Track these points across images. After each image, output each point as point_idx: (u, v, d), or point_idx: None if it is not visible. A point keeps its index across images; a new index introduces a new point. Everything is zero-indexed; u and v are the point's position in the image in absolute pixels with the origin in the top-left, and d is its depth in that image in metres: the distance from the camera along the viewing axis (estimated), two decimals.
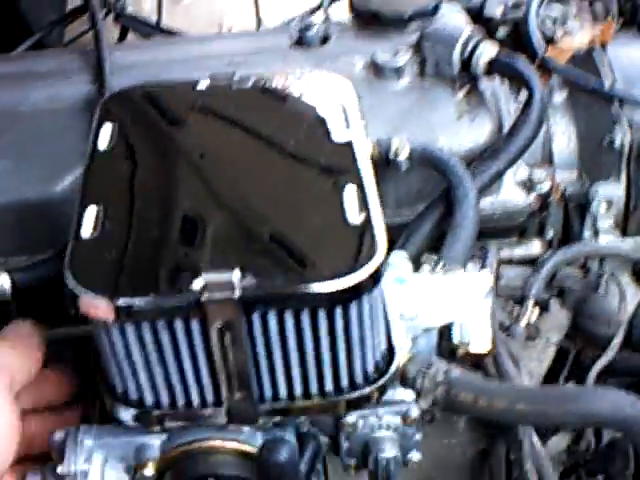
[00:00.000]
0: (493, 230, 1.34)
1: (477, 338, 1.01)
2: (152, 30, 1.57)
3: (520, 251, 1.38)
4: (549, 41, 1.42)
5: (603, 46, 1.41)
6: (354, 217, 0.86)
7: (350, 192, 0.89)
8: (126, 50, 1.41)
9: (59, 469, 0.87)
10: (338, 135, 0.98)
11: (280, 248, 0.83)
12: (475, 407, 0.93)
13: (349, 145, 0.96)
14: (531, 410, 0.92)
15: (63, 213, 1.19)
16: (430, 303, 1.00)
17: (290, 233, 0.85)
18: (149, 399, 0.86)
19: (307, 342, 0.83)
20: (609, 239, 1.35)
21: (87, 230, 0.87)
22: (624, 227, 1.40)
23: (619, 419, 0.92)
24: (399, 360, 0.92)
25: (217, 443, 0.88)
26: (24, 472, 0.90)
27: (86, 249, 0.85)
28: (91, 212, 0.88)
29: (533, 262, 1.34)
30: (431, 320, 0.99)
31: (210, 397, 0.86)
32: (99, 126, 1.00)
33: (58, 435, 0.89)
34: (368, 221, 0.85)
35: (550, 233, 1.40)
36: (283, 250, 0.83)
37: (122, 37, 1.65)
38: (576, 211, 1.42)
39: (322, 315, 0.81)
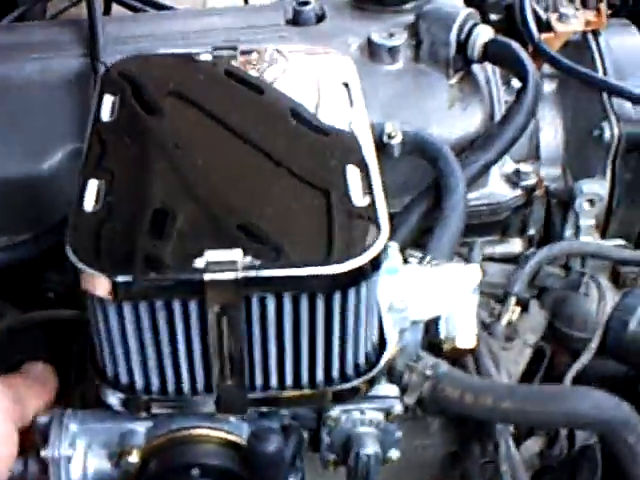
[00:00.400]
0: (477, 225, 1.33)
1: (463, 333, 1.00)
2: (139, 4, 1.54)
3: (501, 248, 1.37)
4: (543, 26, 1.41)
5: (595, 34, 1.41)
6: (358, 200, 0.84)
7: (354, 175, 0.87)
8: (118, 23, 1.37)
9: (42, 453, 0.84)
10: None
11: (281, 230, 0.82)
12: (461, 403, 0.92)
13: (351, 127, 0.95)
14: (516, 409, 0.92)
15: (48, 192, 1.18)
16: (420, 295, 0.99)
17: (292, 216, 0.84)
18: (139, 383, 0.84)
19: (303, 328, 0.81)
20: (589, 239, 1.35)
21: (89, 204, 0.84)
22: (604, 227, 1.40)
23: (603, 421, 0.92)
24: (390, 353, 0.90)
25: (203, 432, 0.86)
26: None
27: (88, 223, 0.83)
28: (93, 185, 0.86)
29: (513, 260, 1.34)
30: (420, 313, 0.98)
31: (201, 384, 0.84)
32: (100, 98, 0.98)
33: (42, 419, 0.87)
34: (372, 205, 0.84)
35: (532, 231, 1.39)
36: (284, 232, 0.81)
37: (106, 11, 1.61)
38: (558, 208, 1.41)
39: (320, 300, 0.80)
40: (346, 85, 1.03)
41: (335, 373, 0.86)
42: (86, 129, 0.96)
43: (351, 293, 0.81)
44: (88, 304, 0.81)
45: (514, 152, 1.37)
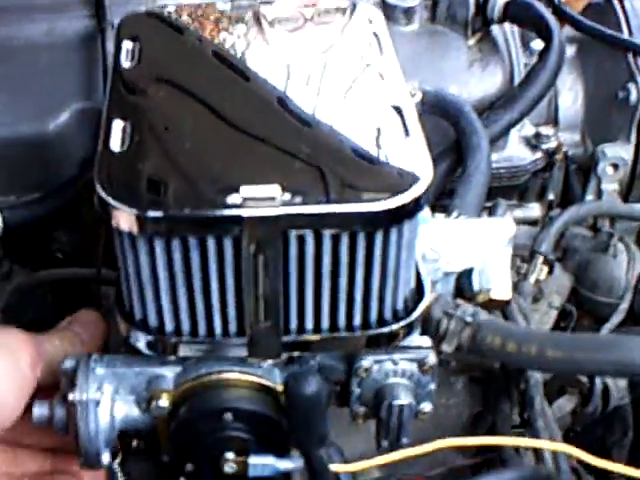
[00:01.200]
0: (496, 189, 1.31)
1: (498, 284, 0.97)
2: None
3: (519, 213, 1.35)
4: None
5: None
6: (400, 140, 0.82)
7: (393, 117, 0.85)
8: None
9: (70, 396, 0.81)
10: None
11: (322, 167, 0.79)
12: (503, 351, 0.89)
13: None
14: (562, 357, 0.88)
15: (55, 152, 1.17)
16: (452, 246, 0.96)
17: (333, 153, 0.81)
18: (169, 325, 0.81)
19: (342, 268, 0.78)
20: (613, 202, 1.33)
21: (116, 143, 0.82)
22: (627, 192, 1.38)
23: None
24: (428, 299, 0.87)
25: (236, 376, 0.83)
26: None
27: (115, 161, 0.80)
28: (118, 125, 0.84)
29: (533, 225, 1.32)
30: (453, 264, 0.95)
31: (233, 326, 0.81)
32: (119, 44, 0.96)
33: (69, 362, 0.84)
34: (414, 145, 0.81)
35: (551, 195, 1.37)
36: (325, 169, 0.78)
37: None
38: (577, 174, 1.39)
39: (361, 239, 0.77)
40: (376, 35, 1.01)
41: (373, 317, 0.83)
42: (94, 87, 0.99)
43: (393, 232, 0.78)
44: (117, 243, 0.78)
45: (532, 116, 1.35)
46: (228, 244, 0.76)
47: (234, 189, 0.75)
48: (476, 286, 0.97)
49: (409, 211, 0.77)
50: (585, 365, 0.89)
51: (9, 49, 1.26)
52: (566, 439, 1.21)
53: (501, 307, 1.02)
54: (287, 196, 0.75)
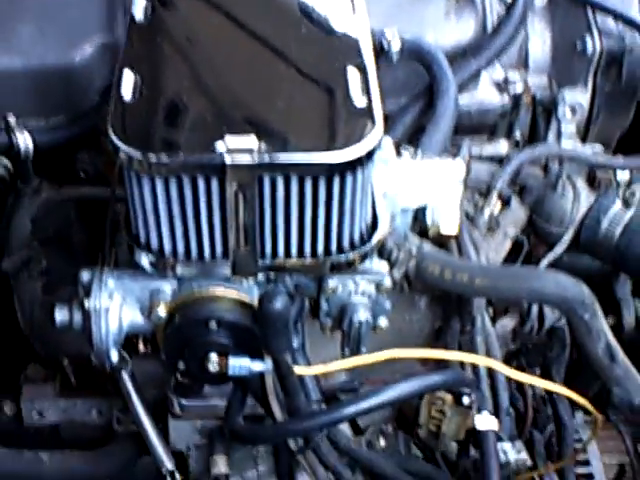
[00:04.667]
0: (467, 127, 1.47)
1: (447, 221, 1.14)
2: None
3: (489, 149, 1.50)
4: None
5: None
6: (358, 100, 0.98)
7: (354, 76, 1.00)
8: None
9: (86, 303, 1.00)
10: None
11: (291, 122, 0.95)
12: (440, 278, 1.06)
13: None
14: (487, 284, 1.06)
15: (79, 81, 1.31)
16: (409, 185, 1.13)
17: (301, 110, 0.97)
18: (168, 247, 0.99)
19: (307, 206, 0.96)
20: (570, 144, 1.48)
21: (127, 93, 0.98)
22: (585, 134, 1.54)
23: (561, 297, 1.06)
24: (381, 233, 1.04)
25: (220, 291, 1.01)
26: None
27: (126, 110, 0.96)
28: (129, 77, 0.99)
29: (500, 161, 1.47)
30: (408, 200, 1.12)
31: (219, 249, 0.99)
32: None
33: (86, 275, 1.02)
34: (369, 104, 0.97)
35: (517, 134, 1.52)
36: (294, 123, 0.95)
37: None
38: (543, 115, 1.54)
39: (322, 182, 0.94)
40: None
41: (333, 246, 1.01)
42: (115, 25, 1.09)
43: (348, 178, 0.95)
44: (126, 179, 0.95)
45: (504, 59, 1.51)
46: (215, 183, 0.94)
47: (221, 137, 0.92)
48: (429, 221, 1.14)
49: (361, 161, 0.94)
50: (505, 292, 1.07)
51: None
52: (517, 357, 1.39)
53: (449, 240, 1.18)
54: (262, 146, 0.92)
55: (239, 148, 0.91)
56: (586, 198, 1.38)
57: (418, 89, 1.39)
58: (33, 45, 1.34)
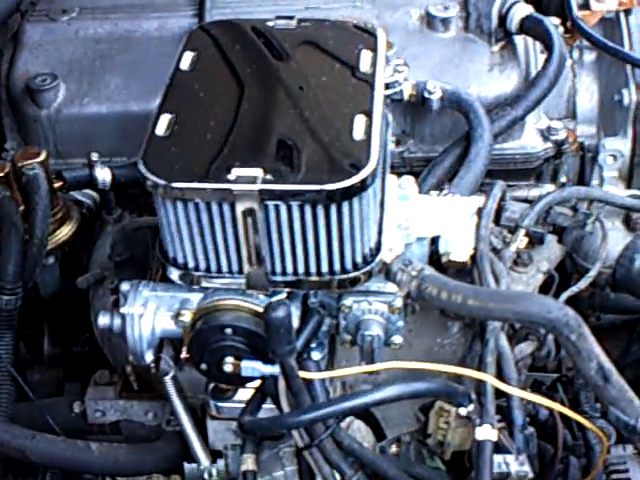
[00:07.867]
0: (513, 171, 1.60)
1: (458, 249, 1.26)
2: None
3: (536, 192, 1.62)
4: (583, 5, 1.67)
5: (627, 12, 1.63)
6: (358, 136, 1.12)
7: (359, 118, 1.15)
8: None
9: (122, 309, 1.17)
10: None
11: (296, 157, 1.10)
12: (438, 299, 1.17)
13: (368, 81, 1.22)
14: (479, 305, 1.15)
15: None
16: (423, 218, 1.26)
17: (306, 146, 1.12)
18: (191, 263, 1.14)
19: (308, 230, 1.10)
20: (612, 189, 1.57)
21: (160, 131, 1.15)
22: (629, 179, 1.63)
23: (546, 319, 1.13)
24: (383, 255, 1.18)
25: (236, 302, 1.16)
26: None
27: (157, 145, 1.13)
28: (165, 118, 1.16)
29: None
30: (423, 231, 1.25)
31: (235, 267, 1.14)
32: (182, 52, 1.28)
33: (125, 285, 1.19)
34: (367, 142, 1.11)
35: (562, 179, 1.64)
36: (296, 157, 1.10)
37: None
38: (590, 162, 1.66)
39: (320, 210, 1.08)
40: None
41: (337, 266, 1.14)
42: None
43: (345, 206, 1.09)
44: (155, 204, 1.12)
45: (553, 111, 1.65)
46: (226, 208, 1.09)
47: (230, 169, 1.08)
48: (441, 249, 1.27)
49: (355, 191, 1.08)
50: (494, 312, 1.15)
51: (128, 40, 1.63)
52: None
53: (460, 266, 1.29)
54: (267, 176, 1.07)
55: (245, 176, 1.07)
56: (622, 238, 1.46)
57: (458, 137, 1.52)
58: (119, 94, 1.57)
